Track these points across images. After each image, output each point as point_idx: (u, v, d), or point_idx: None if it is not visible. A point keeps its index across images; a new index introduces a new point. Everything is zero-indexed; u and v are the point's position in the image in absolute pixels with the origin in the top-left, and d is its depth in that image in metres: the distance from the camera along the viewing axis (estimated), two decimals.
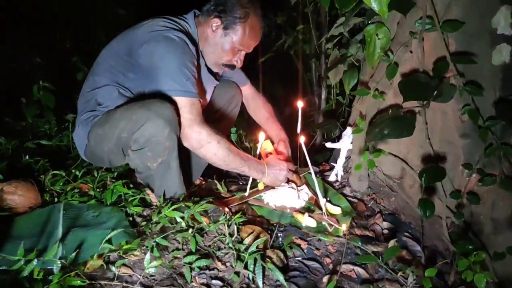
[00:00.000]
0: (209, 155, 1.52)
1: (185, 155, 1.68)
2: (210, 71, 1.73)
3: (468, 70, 1.52)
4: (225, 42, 1.61)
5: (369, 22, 1.62)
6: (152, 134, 1.43)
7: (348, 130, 1.84)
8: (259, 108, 1.99)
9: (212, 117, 1.89)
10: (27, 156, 1.81)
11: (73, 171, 1.68)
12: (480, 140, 1.50)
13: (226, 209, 1.54)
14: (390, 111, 1.55)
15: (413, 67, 1.62)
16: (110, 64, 1.58)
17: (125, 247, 1.21)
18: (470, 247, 1.35)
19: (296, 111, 1.73)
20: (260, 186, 1.71)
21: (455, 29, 1.48)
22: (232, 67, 1.70)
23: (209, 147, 1.49)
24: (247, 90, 1.98)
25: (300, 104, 1.73)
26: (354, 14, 1.63)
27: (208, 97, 1.81)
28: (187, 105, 1.47)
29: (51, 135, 2.32)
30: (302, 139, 1.55)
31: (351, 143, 1.84)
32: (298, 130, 1.77)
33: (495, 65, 1.52)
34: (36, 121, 2.42)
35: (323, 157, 2.14)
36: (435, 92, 1.42)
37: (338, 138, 2.07)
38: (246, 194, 1.70)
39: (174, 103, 1.47)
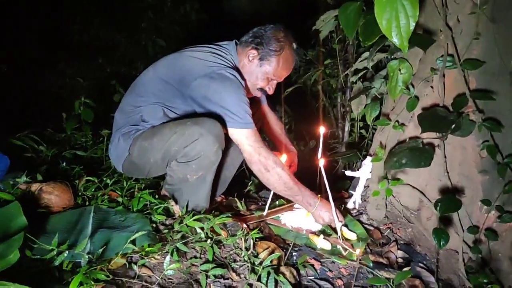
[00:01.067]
0: (273, 179, 1.60)
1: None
2: None
3: (488, 107, 1.57)
4: (260, 71, 1.74)
5: (392, 57, 1.70)
6: (202, 149, 1.55)
7: (368, 159, 1.89)
8: (273, 124, 2.12)
9: None
10: (64, 163, 1.95)
11: (105, 179, 1.80)
12: (499, 176, 1.51)
13: (244, 225, 1.60)
14: (408, 140, 1.60)
15: (433, 102, 1.68)
16: (158, 88, 1.70)
17: (147, 249, 1.29)
18: (484, 280, 1.35)
19: (324, 141, 1.80)
20: (307, 215, 1.74)
21: (475, 67, 1.54)
22: (264, 92, 1.82)
23: (275, 172, 1.59)
24: (265, 108, 2.11)
25: (322, 129, 1.80)
26: (378, 49, 1.72)
27: None
28: (251, 136, 1.59)
29: (86, 147, 2.48)
30: (321, 162, 1.61)
31: (370, 172, 1.89)
32: (319, 155, 1.84)
33: None
34: (74, 134, 2.59)
35: (343, 186, 2.18)
36: (453, 126, 1.47)
37: (358, 168, 2.11)
38: (265, 213, 1.76)
39: (222, 122, 1.59)
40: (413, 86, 1.66)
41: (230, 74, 1.63)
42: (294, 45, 1.77)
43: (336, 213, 1.66)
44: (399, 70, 1.69)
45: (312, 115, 3.78)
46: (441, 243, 1.38)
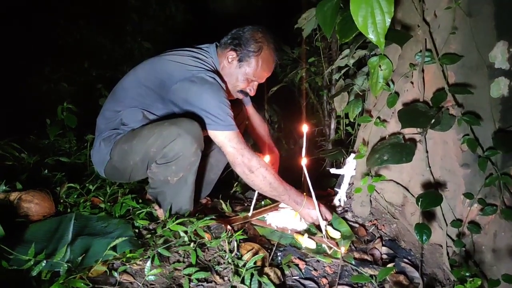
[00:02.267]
0: (258, 180, 1.59)
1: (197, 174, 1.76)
2: None
3: (467, 101, 1.58)
4: (240, 73, 1.73)
5: (372, 53, 1.71)
6: (180, 149, 1.54)
7: (352, 156, 1.89)
8: (257, 126, 2.12)
9: None
10: (46, 171, 1.92)
11: (87, 185, 1.77)
12: (480, 169, 1.52)
13: (228, 226, 1.59)
14: (388, 136, 1.61)
15: (413, 97, 1.68)
16: (138, 93, 1.69)
17: (128, 255, 1.27)
18: (467, 274, 1.36)
19: (307, 140, 1.80)
20: (295, 216, 1.73)
21: (453, 62, 1.55)
22: (246, 94, 1.82)
23: (259, 173, 1.58)
24: (250, 109, 2.11)
25: (305, 128, 1.80)
26: (358, 46, 1.72)
27: None
28: (234, 138, 1.57)
29: (70, 153, 2.45)
30: (304, 162, 1.60)
31: (354, 169, 1.89)
32: (303, 154, 1.83)
33: (494, 98, 1.57)
34: (58, 140, 2.56)
35: (330, 184, 2.18)
36: (433, 121, 1.47)
37: (343, 166, 2.11)
38: (250, 214, 1.75)
39: (200, 122, 1.58)
40: (393, 83, 1.66)
41: (210, 77, 1.62)
42: (273, 45, 1.76)
43: (322, 211, 1.66)
44: (379, 66, 1.69)
45: (301, 113, 3.79)
46: (424, 238, 1.39)
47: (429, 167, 1.64)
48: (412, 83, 1.69)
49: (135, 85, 1.70)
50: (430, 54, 1.58)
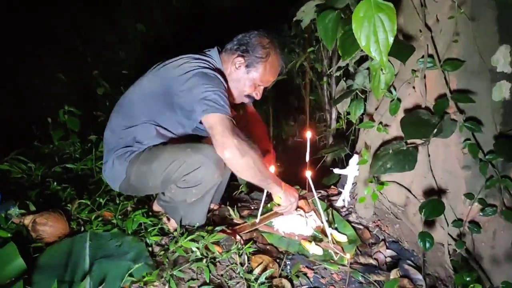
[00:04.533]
0: (240, 165, 1.52)
1: None
2: None
3: (469, 105, 1.58)
4: (247, 78, 1.74)
5: None
6: (203, 177, 1.57)
7: (355, 157, 1.92)
8: (256, 126, 2.11)
9: None
10: (55, 183, 1.96)
11: (97, 199, 1.81)
12: (481, 173, 1.56)
13: (238, 237, 1.65)
14: (392, 141, 1.63)
15: (415, 102, 1.69)
16: (146, 103, 1.68)
17: (145, 279, 1.33)
18: (468, 279, 1.42)
19: (311, 146, 1.82)
20: (277, 200, 1.78)
21: (455, 68, 1.54)
22: (252, 98, 1.83)
23: (242, 159, 1.50)
24: (250, 109, 2.12)
25: (308, 134, 1.82)
26: None
27: None
28: (223, 120, 1.51)
29: (76, 157, 2.48)
30: (308, 174, 1.63)
31: (358, 170, 1.92)
32: (307, 159, 1.87)
33: (495, 101, 1.58)
34: (62, 144, 2.58)
35: (332, 180, 2.22)
36: (435, 130, 1.49)
37: (346, 159, 2.15)
38: (257, 220, 1.81)
39: None
40: (395, 89, 1.66)
41: (212, 73, 1.63)
42: (280, 50, 1.77)
43: (319, 214, 1.72)
44: (381, 70, 1.68)
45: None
46: (426, 246, 1.45)
47: (431, 170, 1.67)
48: (414, 87, 1.69)
49: (142, 97, 1.70)
50: (432, 60, 1.58)
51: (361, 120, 2.05)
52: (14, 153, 2.13)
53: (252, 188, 2.29)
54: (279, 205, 1.81)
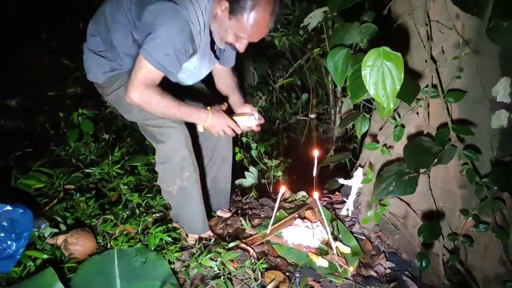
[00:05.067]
0: (158, 109, 1.65)
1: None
2: (211, 47, 1.83)
3: None
4: (229, 26, 1.68)
5: None
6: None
7: (359, 170, 2.04)
8: (224, 78, 2.06)
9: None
10: (78, 194, 2.09)
11: (120, 213, 1.96)
12: (476, 195, 1.69)
13: (251, 251, 1.80)
14: (395, 167, 1.74)
15: (418, 127, 1.79)
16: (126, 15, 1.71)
17: None
18: None
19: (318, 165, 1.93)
20: (200, 129, 1.84)
21: (457, 99, 1.63)
22: (234, 47, 1.78)
23: (148, 105, 1.63)
24: (227, 70, 2.06)
25: (316, 152, 1.93)
26: None
27: (204, 72, 1.93)
28: (148, 69, 1.59)
29: (92, 160, 2.59)
30: (316, 195, 1.76)
31: (361, 182, 2.05)
32: (314, 173, 1.99)
33: (494, 128, 1.67)
34: (77, 146, 2.68)
35: (335, 185, 2.34)
36: (436, 160, 1.60)
37: (350, 173, 2.27)
38: (268, 231, 1.96)
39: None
40: (399, 116, 1.75)
41: (182, 13, 1.59)
42: (270, 9, 1.63)
43: (325, 226, 1.86)
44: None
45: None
46: (423, 265, 1.61)
47: (431, 189, 1.80)
48: (417, 113, 1.78)
49: (120, 10, 1.72)
50: (435, 90, 1.66)
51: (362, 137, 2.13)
52: (38, 164, 2.25)
53: (261, 193, 2.43)
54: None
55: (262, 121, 1.91)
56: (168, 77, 1.66)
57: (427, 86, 1.67)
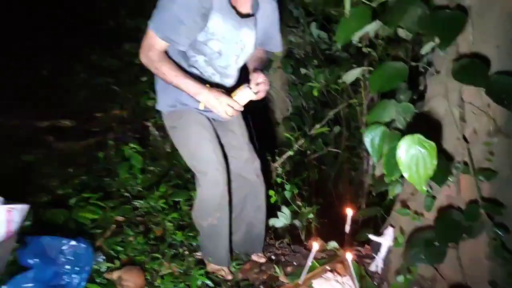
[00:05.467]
0: (160, 74, 1.85)
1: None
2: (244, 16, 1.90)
3: None
4: None
5: None
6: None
7: (390, 230, 2.15)
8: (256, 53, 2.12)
9: None
10: (129, 229, 2.32)
11: (166, 251, 2.16)
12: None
13: None
14: (425, 234, 1.85)
15: (449, 198, 1.89)
16: None
17: None
18: None
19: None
20: (201, 106, 1.95)
21: (488, 178, 1.73)
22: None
23: (151, 68, 1.84)
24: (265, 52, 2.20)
25: (349, 212, 2.07)
26: None
27: (232, 55, 1.96)
28: (148, 35, 1.79)
29: (139, 192, 2.83)
30: (349, 257, 1.88)
31: (392, 240, 2.16)
32: (347, 230, 2.12)
33: None
34: (127, 178, 2.94)
35: (365, 237, 2.43)
36: (464, 235, 1.70)
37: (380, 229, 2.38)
38: (301, 282, 2.09)
39: None
40: (430, 187, 1.87)
41: None
42: None
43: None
44: None
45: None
46: None
47: (459, 259, 1.89)
48: (449, 186, 1.89)
49: None
50: (466, 168, 1.77)
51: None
52: (96, 197, 2.50)
53: (292, 234, 2.58)
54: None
55: (261, 88, 1.91)
56: (172, 45, 1.81)
57: (458, 162, 1.78)
